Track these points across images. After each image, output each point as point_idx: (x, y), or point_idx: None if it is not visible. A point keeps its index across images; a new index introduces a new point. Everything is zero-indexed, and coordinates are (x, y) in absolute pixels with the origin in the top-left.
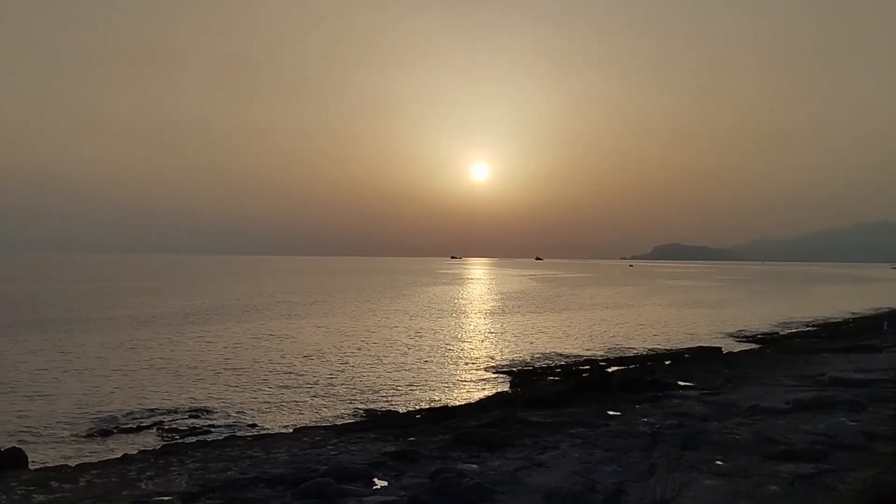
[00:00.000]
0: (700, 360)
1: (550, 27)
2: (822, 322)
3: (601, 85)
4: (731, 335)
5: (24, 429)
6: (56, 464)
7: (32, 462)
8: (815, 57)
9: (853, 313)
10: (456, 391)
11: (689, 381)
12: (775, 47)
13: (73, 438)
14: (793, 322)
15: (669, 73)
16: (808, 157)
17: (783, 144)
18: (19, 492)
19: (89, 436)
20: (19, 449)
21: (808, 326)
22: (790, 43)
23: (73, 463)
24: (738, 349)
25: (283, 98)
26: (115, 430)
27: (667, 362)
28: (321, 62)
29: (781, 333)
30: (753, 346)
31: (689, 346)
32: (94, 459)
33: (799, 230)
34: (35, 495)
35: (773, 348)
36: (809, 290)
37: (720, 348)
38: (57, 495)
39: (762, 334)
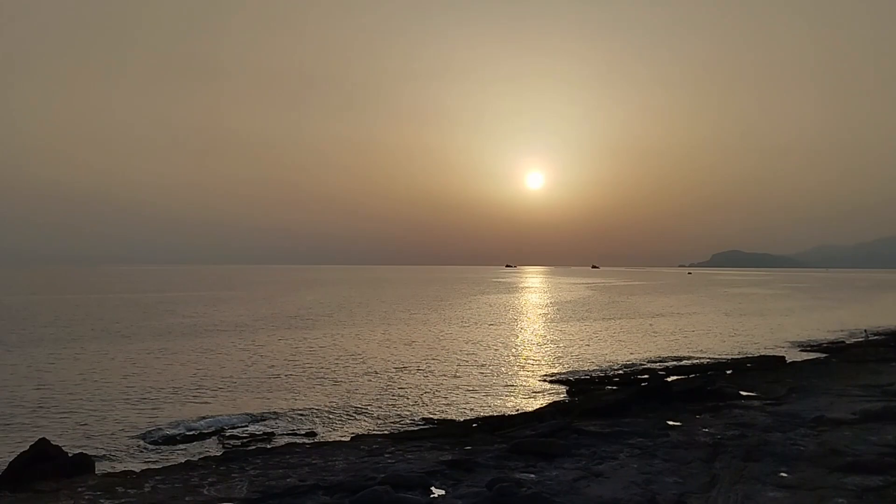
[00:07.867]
0: (762, 369)
1: (605, 35)
2: (890, 330)
3: (659, 93)
4: (794, 344)
5: (91, 436)
6: (121, 470)
7: (99, 468)
8: (878, 61)
9: None
10: (512, 400)
11: (751, 391)
12: (836, 55)
13: (137, 445)
14: (859, 330)
15: (729, 82)
16: (870, 161)
17: (845, 150)
18: (87, 496)
19: (153, 443)
20: (86, 455)
21: (875, 335)
22: (854, 49)
23: (137, 469)
24: (802, 358)
25: (332, 110)
26: (177, 438)
27: (728, 372)
28: (369, 74)
29: (847, 342)
30: (818, 355)
31: (751, 355)
32: (157, 466)
33: (862, 236)
34: (102, 500)
35: (839, 357)
36: (876, 298)
37: (783, 357)
38: (123, 500)
39: (827, 343)
